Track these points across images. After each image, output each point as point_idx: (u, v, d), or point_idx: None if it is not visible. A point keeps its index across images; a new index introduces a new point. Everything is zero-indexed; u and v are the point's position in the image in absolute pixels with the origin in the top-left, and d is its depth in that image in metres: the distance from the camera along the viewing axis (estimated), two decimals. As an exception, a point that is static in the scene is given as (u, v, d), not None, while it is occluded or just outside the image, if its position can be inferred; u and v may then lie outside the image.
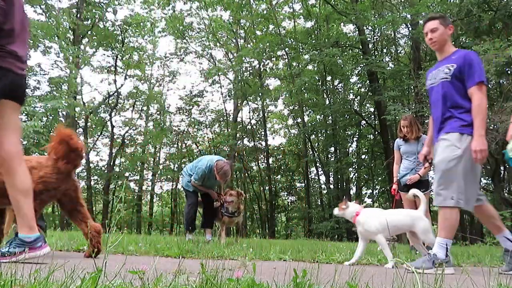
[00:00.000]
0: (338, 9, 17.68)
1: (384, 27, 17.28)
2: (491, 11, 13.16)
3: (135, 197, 24.55)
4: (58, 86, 18.45)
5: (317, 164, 21.80)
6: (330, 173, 20.92)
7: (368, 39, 18.78)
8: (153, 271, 1.48)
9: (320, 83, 21.18)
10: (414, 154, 5.30)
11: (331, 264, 3.19)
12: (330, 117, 20.28)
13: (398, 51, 19.91)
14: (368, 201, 23.40)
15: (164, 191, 26.25)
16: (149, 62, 24.60)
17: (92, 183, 23.30)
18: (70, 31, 19.86)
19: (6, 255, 2.30)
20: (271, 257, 3.37)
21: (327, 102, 20.84)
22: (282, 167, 24.21)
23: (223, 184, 5.72)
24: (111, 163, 22.90)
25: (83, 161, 18.23)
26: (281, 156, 24.52)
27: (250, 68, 21.77)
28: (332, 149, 21.82)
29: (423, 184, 5.15)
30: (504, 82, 12.67)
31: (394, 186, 5.53)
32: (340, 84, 22.17)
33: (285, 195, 24.97)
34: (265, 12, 20.04)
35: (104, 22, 20.89)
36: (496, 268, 3.23)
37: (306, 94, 20.41)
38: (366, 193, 23.02)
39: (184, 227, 5.87)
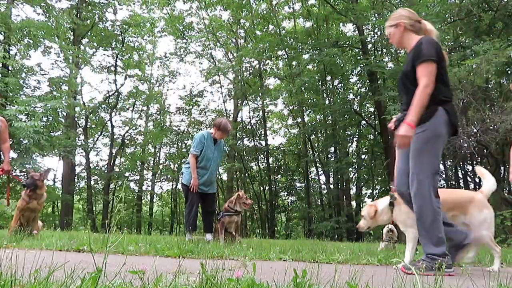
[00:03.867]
0: (337, 9, 17.69)
1: (383, 26, 17.27)
2: (491, 11, 13.16)
3: (135, 197, 24.55)
4: (58, 86, 18.46)
5: (317, 164, 21.79)
6: (330, 173, 20.91)
7: (368, 39, 18.77)
8: (153, 271, 1.48)
9: (320, 83, 21.17)
10: None
11: (331, 264, 3.18)
12: (330, 117, 20.27)
13: (398, 51, 19.90)
14: (368, 201, 23.41)
15: (164, 191, 26.27)
16: (149, 62, 24.61)
17: (92, 183, 23.32)
18: (70, 31, 19.87)
19: None
20: (271, 257, 3.37)
21: (327, 102, 20.84)
22: (282, 167, 24.21)
23: (224, 137, 5.71)
24: (111, 163, 22.91)
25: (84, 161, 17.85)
26: (281, 156, 24.51)
27: (250, 68, 21.78)
28: (332, 149, 21.81)
29: None
30: (504, 82, 12.67)
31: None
32: (340, 84, 22.16)
33: (285, 195, 24.97)
34: (265, 12, 20.04)
35: (104, 22, 20.91)
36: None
37: (306, 94, 20.41)
38: (366, 193, 23.02)
39: (184, 226, 5.86)
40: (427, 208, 2.65)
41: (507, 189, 16.70)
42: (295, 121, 22.76)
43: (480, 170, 3.34)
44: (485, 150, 12.73)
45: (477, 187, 18.10)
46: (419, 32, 2.87)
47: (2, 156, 5.34)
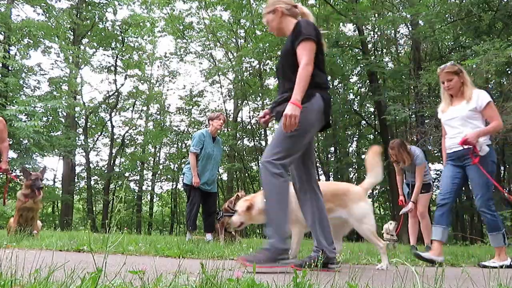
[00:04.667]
0: (337, 9, 17.68)
1: (383, 26, 17.29)
2: (491, 11, 13.17)
3: (135, 197, 24.55)
4: (58, 86, 18.46)
5: (317, 164, 21.79)
6: (330, 173, 20.92)
7: (368, 39, 18.77)
8: (153, 271, 1.48)
9: (320, 83, 21.16)
10: (412, 172, 5.27)
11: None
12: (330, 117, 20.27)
13: (398, 51, 19.92)
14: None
15: (164, 191, 26.27)
16: (149, 62, 24.63)
17: (92, 183, 23.32)
18: (70, 31, 19.87)
19: None
20: (271, 257, 3.36)
21: (327, 102, 20.83)
22: (282, 167, 24.17)
23: (221, 126, 5.73)
24: (111, 163, 22.91)
25: (84, 161, 17.89)
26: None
27: (250, 68, 21.78)
28: (332, 149, 21.81)
29: (425, 186, 5.30)
30: (504, 82, 12.67)
31: (401, 198, 5.54)
32: (340, 84, 22.15)
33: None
34: (265, 12, 20.01)
35: (104, 22, 20.91)
36: (496, 268, 3.23)
37: (306, 94, 20.40)
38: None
39: (185, 225, 5.90)
40: (273, 194, 2.44)
41: (507, 189, 16.70)
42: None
43: (369, 160, 3.08)
44: (485, 150, 12.68)
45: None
46: (297, 17, 2.72)
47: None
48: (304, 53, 2.46)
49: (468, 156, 3.45)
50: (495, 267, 3.28)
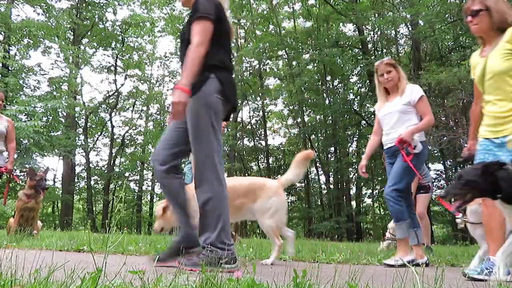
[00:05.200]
0: (337, 9, 17.70)
1: (383, 26, 17.30)
2: (491, 11, 13.16)
3: (135, 197, 24.55)
4: (58, 86, 18.47)
5: (317, 164, 21.79)
6: (330, 173, 20.92)
7: (368, 39, 18.79)
8: (153, 271, 1.48)
9: (320, 83, 21.18)
10: None
11: (331, 264, 3.18)
12: (330, 117, 20.27)
13: (398, 51, 19.92)
14: (368, 201, 23.37)
15: (164, 191, 26.24)
16: (149, 62, 24.65)
17: (92, 183, 23.32)
18: (70, 31, 19.88)
19: None
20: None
21: (327, 102, 20.85)
22: (282, 167, 24.20)
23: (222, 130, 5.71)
24: (111, 163, 22.91)
25: (84, 160, 17.85)
26: (281, 156, 24.52)
27: (250, 68, 21.78)
28: (332, 149, 21.80)
29: (423, 187, 5.36)
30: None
31: None
32: (340, 84, 22.16)
33: (285, 195, 24.92)
34: (265, 12, 20.05)
35: (104, 22, 20.92)
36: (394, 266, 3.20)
37: (306, 94, 20.41)
38: (366, 193, 23.02)
39: None
40: (208, 192, 2.36)
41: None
42: (295, 121, 22.78)
43: (297, 160, 3.11)
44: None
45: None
46: None
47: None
48: (196, 33, 2.24)
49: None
50: (393, 265, 3.19)
